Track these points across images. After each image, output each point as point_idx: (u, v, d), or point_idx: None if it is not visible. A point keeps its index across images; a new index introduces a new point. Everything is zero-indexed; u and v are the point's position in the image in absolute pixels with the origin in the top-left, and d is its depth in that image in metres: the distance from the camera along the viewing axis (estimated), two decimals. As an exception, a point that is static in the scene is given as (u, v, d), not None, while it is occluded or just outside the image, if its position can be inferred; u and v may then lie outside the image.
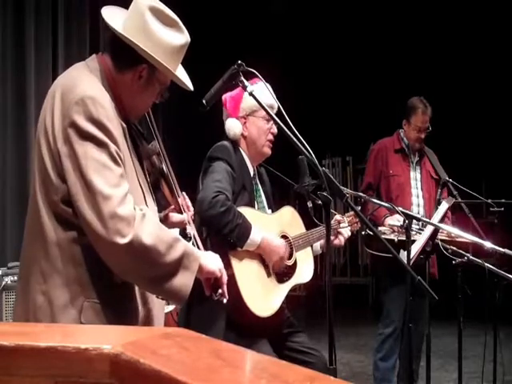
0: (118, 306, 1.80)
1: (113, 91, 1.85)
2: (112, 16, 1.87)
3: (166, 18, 1.88)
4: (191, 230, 2.12)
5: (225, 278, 1.96)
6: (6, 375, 0.93)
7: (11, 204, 5.06)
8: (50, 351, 0.91)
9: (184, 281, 1.79)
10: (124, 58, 1.86)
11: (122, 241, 1.66)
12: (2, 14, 5.19)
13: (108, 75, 1.86)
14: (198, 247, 2.06)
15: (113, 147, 1.73)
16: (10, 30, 5.25)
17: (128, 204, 1.70)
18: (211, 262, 1.93)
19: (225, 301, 1.98)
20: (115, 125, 1.77)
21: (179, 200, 2.13)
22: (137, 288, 1.85)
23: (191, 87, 2.00)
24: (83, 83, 1.78)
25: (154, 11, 1.86)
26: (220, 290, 1.96)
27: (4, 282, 3.89)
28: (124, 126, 1.84)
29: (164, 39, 1.86)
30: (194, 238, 2.09)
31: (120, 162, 1.75)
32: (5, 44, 5.21)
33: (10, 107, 5.21)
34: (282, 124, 1.99)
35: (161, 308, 1.98)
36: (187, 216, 2.14)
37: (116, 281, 1.79)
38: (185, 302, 1.88)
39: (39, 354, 0.92)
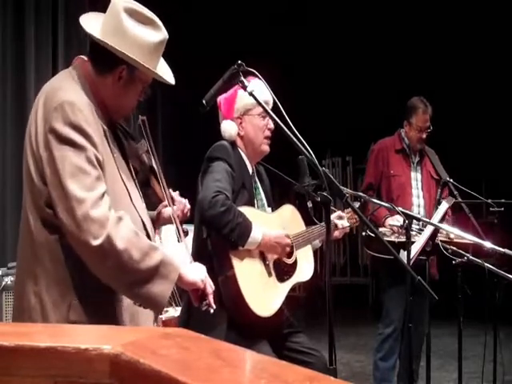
0: (104, 305, 1.86)
1: (95, 95, 1.90)
2: (89, 22, 1.92)
3: (141, 16, 1.91)
4: (180, 226, 2.17)
5: (209, 289, 1.98)
6: (6, 375, 0.93)
7: (11, 204, 5.06)
8: (49, 351, 0.92)
9: (161, 289, 1.81)
10: (103, 62, 1.91)
11: (95, 242, 1.71)
12: (2, 13, 5.19)
13: (89, 80, 1.91)
14: (180, 236, 2.12)
15: (91, 150, 1.78)
16: (10, 29, 5.25)
17: (102, 206, 1.75)
18: (192, 272, 1.95)
19: (212, 311, 2.00)
20: (94, 128, 1.82)
21: (167, 194, 2.19)
22: None
23: (172, 81, 2.03)
24: (63, 89, 1.84)
25: (129, 11, 1.89)
26: (206, 301, 1.98)
27: (4, 282, 3.90)
28: (105, 128, 1.89)
29: (140, 37, 1.89)
30: (178, 230, 2.15)
31: (97, 164, 1.80)
32: (5, 44, 5.21)
33: (10, 107, 5.21)
34: (282, 124, 1.99)
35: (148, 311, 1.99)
36: (172, 210, 2.20)
37: (102, 281, 1.83)
38: (162, 310, 1.89)
39: (39, 354, 0.92)
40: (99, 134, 1.84)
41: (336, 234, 3.07)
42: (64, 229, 1.75)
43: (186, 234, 2.24)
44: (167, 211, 2.21)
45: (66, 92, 1.83)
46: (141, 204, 2.02)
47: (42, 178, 1.79)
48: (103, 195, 1.77)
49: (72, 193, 1.73)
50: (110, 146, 1.90)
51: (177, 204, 2.25)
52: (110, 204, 1.77)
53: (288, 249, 2.81)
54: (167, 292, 1.83)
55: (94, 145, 1.79)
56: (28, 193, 1.85)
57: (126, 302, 1.89)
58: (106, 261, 1.74)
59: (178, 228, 2.17)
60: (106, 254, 1.73)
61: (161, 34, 1.95)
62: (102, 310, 1.84)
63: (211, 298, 1.98)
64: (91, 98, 1.88)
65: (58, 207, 1.75)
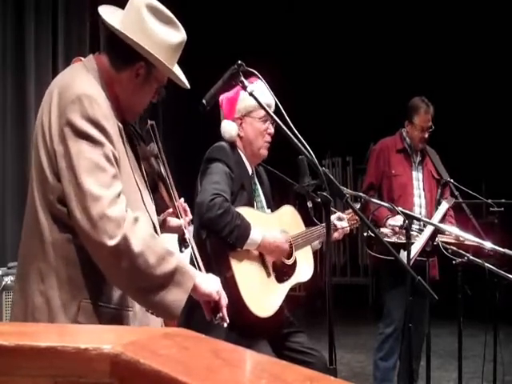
0: (114, 307, 1.79)
1: (109, 91, 1.83)
2: (109, 14, 1.86)
3: (162, 15, 1.86)
4: (189, 235, 2.10)
5: (224, 302, 1.89)
6: (6, 375, 0.93)
7: (11, 204, 5.06)
8: (49, 351, 0.91)
9: (175, 297, 1.73)
10: (121, 56, 1.85)
11: (110, 242, 1.64)
12: (1, 13, 5.19)
13: (105, 74, 1.84)
14: (195, 254, 2.03)
15: (108, 147, 1.71)
16: (10, 29, 5.26)
17: (119, 205, 1.68)
18: (208, 283, 1.85)
19: (225, 325, 1.90)
20: (111, 124, 1.76)
21: (177, 204, 2.11)
22: None
23: (188, 85, 1.98)
24: (80, 82, 1.77)
25: (151, 9, 1.85)
26: (220, 314, 1.88)
27: (4, 282, 3.89)
28: (120, 125, 1.83)
29: (161, 36, 1.84)
30: (192, 245, 2.07)
31: (114, 162, 1.73)
32: (5, 44, 5.21)
33: (10, 107, 5.21)
34: (282, 124, 1.99)
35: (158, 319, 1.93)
36: (184, 221, 2.12)
37: (113, 285, 1.78)
38: (180, 317, 1.83)
39: (39, 353, 0.91)
40: (115, 130, 1.77)
41: (335, 235, 3.06)
42: (77, 227, 1.67)
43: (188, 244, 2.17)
44: (173, 221, 2.14)
45: (83, 84, 1.75)
46: (152, 207, 1.96)
47: (55, 173, 1.71)
48: (119, 194, 1.69)
49: (88, 190, 1.65)
50: (124, 145, 1.84)
51: (188, 215, 2.18)
52: (126, 203, 1.70)
53: (286, 253, 2.80)
54: (182, 301, 1.74)
55: (111, 141, 1.72)
56: (38, 188, 1.76)
57: (137, 306, 1.83)
58: (121, 263, 1.66)
59: (193, 247, 2.06)
60: (120, 256, 1.65)
61: (180, 35, 1.90)
62: (112, 313, 1.78)
63: (225, 312, 1.88)
64: (106, 92, 1.80)
65: (71, 204, 1.67)
